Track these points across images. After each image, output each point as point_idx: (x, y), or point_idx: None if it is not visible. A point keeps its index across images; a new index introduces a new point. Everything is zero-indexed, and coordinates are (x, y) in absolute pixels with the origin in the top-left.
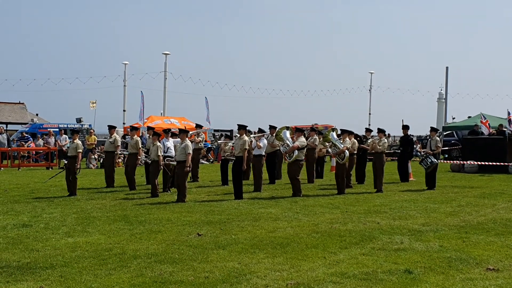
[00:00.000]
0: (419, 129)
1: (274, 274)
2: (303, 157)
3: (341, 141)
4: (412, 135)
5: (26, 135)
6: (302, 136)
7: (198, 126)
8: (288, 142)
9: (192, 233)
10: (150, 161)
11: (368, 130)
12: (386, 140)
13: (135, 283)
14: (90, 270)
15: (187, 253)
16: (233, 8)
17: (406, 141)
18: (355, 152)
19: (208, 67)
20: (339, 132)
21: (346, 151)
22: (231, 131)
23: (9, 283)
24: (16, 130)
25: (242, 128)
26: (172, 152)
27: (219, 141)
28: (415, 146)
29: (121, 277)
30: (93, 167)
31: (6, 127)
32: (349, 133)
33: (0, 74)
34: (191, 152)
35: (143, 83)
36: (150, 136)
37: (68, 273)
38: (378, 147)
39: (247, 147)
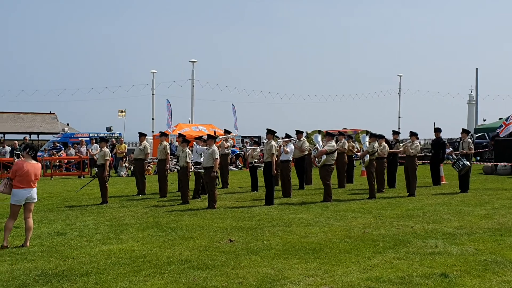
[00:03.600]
0: (449, 132)
1: (308, 279)
2: (333, 162)
3: (368, 145)
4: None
5: (58, 144)
6: (332, 141)
7: (227, 132)
8: (318, 146)
9: (224, 239)
10: (179, 168)
11: (396, 133)
12: (418, 143)
13: None
14: (125, 277)
15: (219, 259)
16: (257, 15)
17: (438, 144)
18: (385, 156)
19: (235, 74)
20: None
21: (368, 155)
22: (258, 137)
23: None
24: (48, 140)
25: (270, 133)
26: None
27: (247, 147)
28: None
29: (155, 284)
30: (124, 175)
31: (38, 137)
32: (379, 137)
33: (31, 85)
34: (218, 157)
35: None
36: (180, 143)
37: (104, 280)
38: (411, 150)
39: (274, 152)
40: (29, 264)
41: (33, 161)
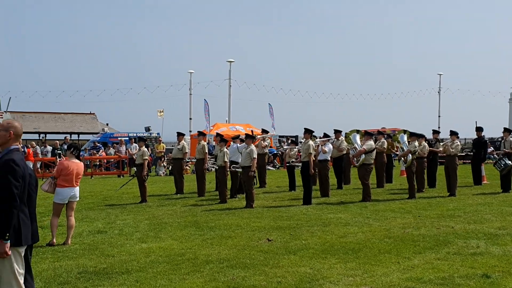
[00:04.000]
0: (490, 131)
1: (347, 279)
2: (372, 161)
3: (409, 144)
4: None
5: (98, 144)
6: (371, 140)
7: (264, 132)
8: (356, 145)
9: (262, 239)
10: (217, 167)
11: (436, 132)
12: (459, 143)
13: None
14: (165, 275)
15: (258, 258)
16: (296, 14)
17: (480, 143)
18: (425, 155)
19: (272, 73)
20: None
21: (410, 154)
22: (296, 136)
23: None
24: (88, 140)
25: (307, 132)
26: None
27: (284, 147)
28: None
29: (194, 282)
30: (162, 174)
31: (78, 137)
32: (419, 136)
33: (72, 86)
34: (256, 156)
35: (208, 91)
36: (218, 143)
37: (144, 278)
38: (451, 150)
39: (312, 152)
40: (70, 262)
41: (77, 160)
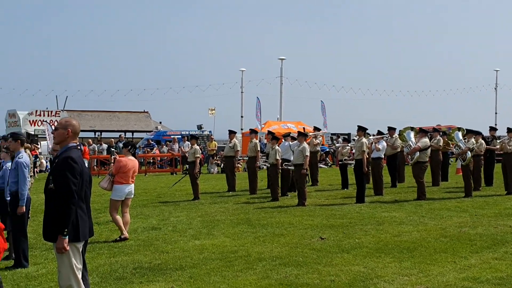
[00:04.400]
0: None
1: (402, 279)
2: (427, 159)
3: (466, 142)
4: None
5: (152, 142)
6: (426, 137)
7: (316, 129)
8: (410, 143)
9: (314, 237)
10: (269, 165)
11: (493, 129)
12: None
13: (262, 285)
14: (218, 272)
15: (311, 257)
16: (347, 11)
17: None
18: (482, 153)
19: (324, 70)
20: (465, 132)
21: (469, 152)
22: (348, 134)
23: (142, 284)
24: (141, 138)
25: (361, 129)
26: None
27: (337, 145)
28: None
29: (247, 279)
30: (214, 172)
31: (132, 135)
32: (476, 133)
33: (126, 85)
34: (308, 154)
35: (260, 89)
36: (269, 141)
37: (197, 274)
38: (508, 147)
39: (365, 149)
40: (126, 257)
41: (133, 158)
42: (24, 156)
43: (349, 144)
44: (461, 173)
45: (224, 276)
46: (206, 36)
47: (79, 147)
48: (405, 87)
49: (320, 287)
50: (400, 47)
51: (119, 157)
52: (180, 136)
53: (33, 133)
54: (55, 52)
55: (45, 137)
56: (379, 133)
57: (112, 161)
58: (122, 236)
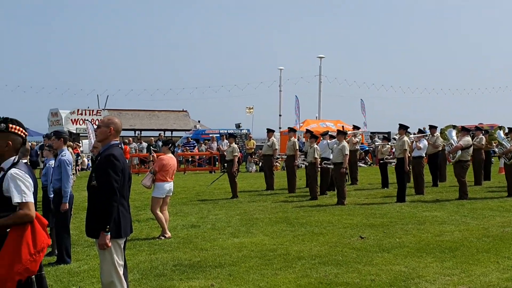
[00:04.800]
0: None
1: (444, 279)
2: (469, 158)
3: (509, 140)
4: None
5: (192, 140)
6: (468, 136)
7: (356, 128)
8: (452, 141)
9: (354, 236)
10: (307, 164)
11: None
12: None
13: (301, 284)
14: (257, 270)
15: (350, 256)
16: (387, 7)
17: None
18: None
19: (363, 68)
20: (506, 130)
21: None
22: (388, 133)
23: (182, 281)
24: (180, 137)
25: (402, 128)
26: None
27: (376, 143)
28: None
29: (287, 277)
30: (252, 170)
31: (171, 133)
32: None
33: (166, 84)
34: (348, 153)
35: (298, 87)
36: (308, 139)
37: (236, 272)
38: None
39: (406, 148)
40: (166, 255)
41: (172, 156)
42: (67, 154)
43: (389, 143)
44: (504, 172)
45: (263, 274)
46: (244, 35)
47: (120, 146)
48: (447, 85)
49: (360, 287)
50: (444, 44)
51: (160, 155)
52: (218, 135)
53: (75, 131)
54: (96, 52)
55: (87, 136)
56: (420, 131)
57: (151, 159)
58: (167, 236)
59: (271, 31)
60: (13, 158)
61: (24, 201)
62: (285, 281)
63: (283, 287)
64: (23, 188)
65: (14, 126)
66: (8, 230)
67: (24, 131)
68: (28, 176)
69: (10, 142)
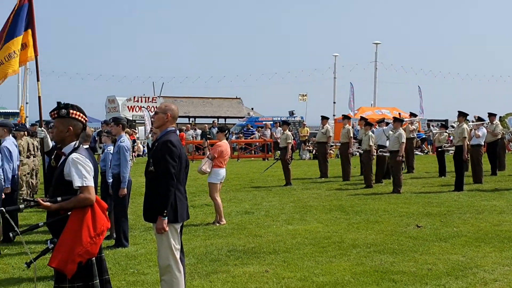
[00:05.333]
0: None
1: (503, 269)
2: None
3: None
4: None
5: (251, 128)
6: None
7: (412, 115)
8: None
9: (410, 225)
10: (362, 152)
11: None
12: None
13: (356, 272)
14: (311, 257)
15: (407, 244)
16: None
17: None
18: None
19: (420, 55)
20: None
21: None
22: (446, 120)
23: (236, 266)
24: (234, 124)
25: (462, 115)
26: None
27: (433, 131)
28: None
29: (341, 265)
30: (306, 158)
31: (225, 121)
32: None
33: (219, 71)
34: (404, 141)
35: (353, 74)
36: (362, 127)
37: (291, 259)
38: None
39: (466, 136)
40: (220, 240)
41: (227, 142)
42: (126, 140)
43: (446, 131)
44: None
45: (318, 262)
46: (298, 21)
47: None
48: (506, 72)
49: (417, 276)
50: (505, 28)
51: (214, 142)
52: (272, 122)
53: (131, 118)
54: (151, 41)
55: (143, 123)
56: (479, 119)
57: (206, 146)
58: (222, 223)
59: (327, 17)
60: (73, 143)
61: (84, 185)
62: (340, 269)
63: (337, 274)
64: (83, 173)
65: (74, 111)
66: (69, 213)
67: (84, 116)
68: (89, 161)
69: (71, 128)
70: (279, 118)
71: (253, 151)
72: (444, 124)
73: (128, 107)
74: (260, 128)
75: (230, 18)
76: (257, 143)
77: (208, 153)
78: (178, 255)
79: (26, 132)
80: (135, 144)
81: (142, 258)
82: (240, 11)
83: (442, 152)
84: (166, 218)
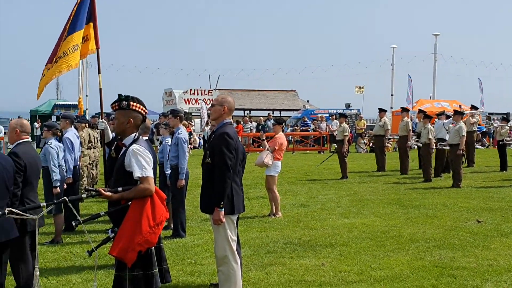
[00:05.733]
0: None
1: None
2: None
3: None
4: None
5: (307, 120)
6: None
7: (474, 108)
8: None
9: (470, 220)
10: (420, 145)
11: None
12: None
13: (415, 266)
14: (368, 251)
15: (467, 240)
16: None
17: None
18: None
19: (481, 47)
20: None
21: None
22: (507, 113)
23: (292, 258)
24: (289, 117)
25: None
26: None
27: (495, 124)
28: None
29: (400, 260)
30: (362, 151)
31: (280, 113)
32: None
33: (274, 64)
34: (465, 134)
35: (411, 66)
36: (421, 120)
37: (347, 252)
38: None
39: None
40: (276, 232)
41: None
42: (183, 132)
43: (508, 124)
44: None
45: (375, 256)
46: (355, 12)
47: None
48: None
49: (477, 271)
50: None
51: (270, 134)
52: (327, 115)
53: (187, 111)
54: (207, 34)
55: (199, 115)
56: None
57: (263, 139)
58: (278, 216)
59: (385, 8)
60: (133, 134)
61: (144, 175)
62: (398, 263)
63: (396, 269)
64: (143, 163)
65: (135, 104)
66: (129, 203)
67: (144, 108)
68: (148, 152)
69: (131, 119)
70: (335, 111)
71: (308, 144)
72: (505, 117)
73: (184, 99)
74: (315, 121)
75: (285, 11)
76: (313, 136)
77: (267, 145)
78: (234, 246)
79: (87, 124)
80: (191, 136)
81: (199, 248)
82: (295, 4)
83: (503, 146)
84: (223, 209)
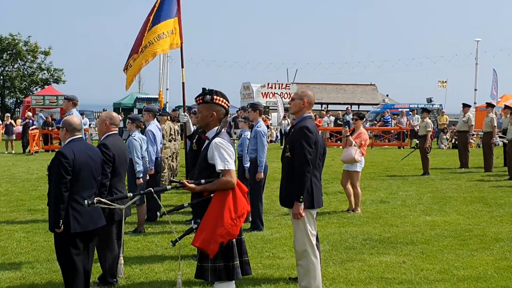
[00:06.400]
0: None
1: None
2: None
3: None
4: None
5: (387, 115)
6: None
7: None
8: None
9: None
10: (506, 142)
11: None
12: None
13: (500, 266)
14: (451, 250)
15: None
16: None
17: None
18: None
19: None
20: None
21: None
22: None
23: (372, 255)
24: (368, 111)
25: None
26: None
27: None
28: None
29: (484, 259)
30: (444, 147)
31: (358, 107)
32: None
33: (354, 57)
34: None
35: (496, 60)
36: (507, 115)
37: (429, 251)
38: None
39: None
40: (355, 228)
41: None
42: (263, 125)
43: None
44: None
45: (458, 254)
46: (436, 4)
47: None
48: None
49: None
50: None
51: (352, 129)
52: (408, 109)
53: (264, 104)
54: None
55: (276, 109)
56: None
57: (348, 134)
58: (357, 211)
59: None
60: (216, 128)
61: (226, 168)
62: (482, 263)
63: (480, 268)
64: (225, 156)
65: (218, 97)
66: (212, 195)
67: (227, 102)
68: (230, 145)
69: (215, 113)
70: (416, 105)
71: (387, 139)
72: None
73: (262, 93)
74: (395, 116)
75: (361, 5)
76: (393, 131)
77: (353, 141)
78: (314, 241)
79: (168, 117)
80: (268, 130)
81: (277, 242)
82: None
83: None
84: (303, 203)
